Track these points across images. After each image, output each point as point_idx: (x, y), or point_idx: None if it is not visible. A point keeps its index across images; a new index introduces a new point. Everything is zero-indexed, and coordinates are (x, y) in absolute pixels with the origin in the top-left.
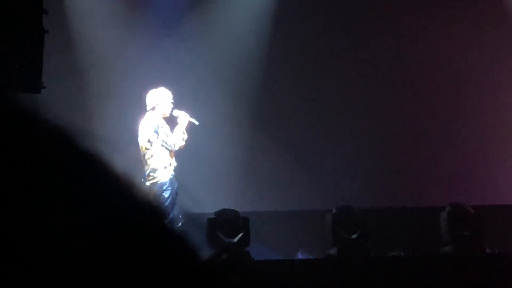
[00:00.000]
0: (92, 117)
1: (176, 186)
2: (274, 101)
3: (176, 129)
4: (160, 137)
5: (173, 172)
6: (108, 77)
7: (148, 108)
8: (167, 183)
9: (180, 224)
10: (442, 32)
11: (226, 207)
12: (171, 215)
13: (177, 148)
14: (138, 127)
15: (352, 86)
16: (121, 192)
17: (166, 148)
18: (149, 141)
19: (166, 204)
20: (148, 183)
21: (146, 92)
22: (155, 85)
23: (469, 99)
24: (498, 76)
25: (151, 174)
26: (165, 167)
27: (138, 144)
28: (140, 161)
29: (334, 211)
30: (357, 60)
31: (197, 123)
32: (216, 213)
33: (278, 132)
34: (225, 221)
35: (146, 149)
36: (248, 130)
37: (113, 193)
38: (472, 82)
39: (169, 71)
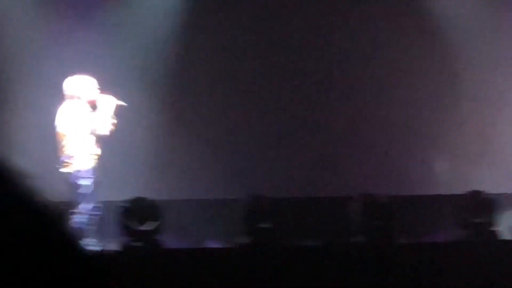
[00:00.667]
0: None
1: (97, 174)
2: (189, 89)
3: (102, 114)
4: (88, 124)
5: (95, 160)
6: (23, 65)
7: (70, 96)
8: (88, 172)
9: (98, 213)
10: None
11: (138, 195)
12: (91, 204)
13: (107, 133)
14: (57, 114)
15: (266, 78)
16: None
17: (95, 134)
18: (72, 128)
19: (85, 192)
20: (66, 170)
21: (64, 80)
22: (73, 73)
23: (379, 88)
24: (408, 67)
25: (70, 161)
26: (86, 155)
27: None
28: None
29: (246, 199)
30: (271, 55)
31: (125, 104)
32: (128, 201)
33: (190, 122)
34: (137, 209)
35: (65, 136)
36: (162, 119)
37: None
38: (383, 72)
39: (86, 59)
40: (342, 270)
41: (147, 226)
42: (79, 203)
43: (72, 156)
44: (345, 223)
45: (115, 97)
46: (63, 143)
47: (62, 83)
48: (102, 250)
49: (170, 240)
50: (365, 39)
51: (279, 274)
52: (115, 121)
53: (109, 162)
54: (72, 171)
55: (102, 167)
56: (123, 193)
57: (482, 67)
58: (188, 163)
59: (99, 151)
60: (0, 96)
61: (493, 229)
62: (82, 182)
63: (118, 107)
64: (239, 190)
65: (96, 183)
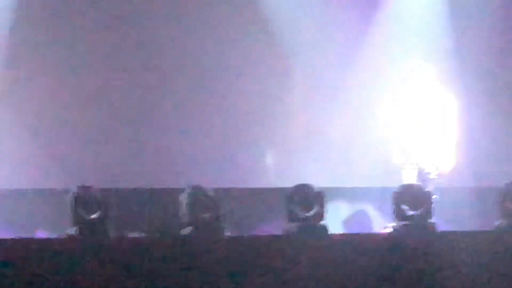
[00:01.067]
0: None
1: None
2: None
3: None
4: None
5: None
6: None
7: None
8: None
9: None
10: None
11: None
12: None
13: None
14: None
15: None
16: None
17: None
18: None
19: None
20: None
21: None
22: None
23: (209, 83)
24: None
25: None
26: None
27: None
28: None
29: (74, 190)
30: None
31: None
32: None
33: (22, 112)
34: None
35: None
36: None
37: None
38: (219, 68)
39: None
40: (170, 261)
41: None
42: None
43: None
44: (175, 215)
45: None
46: None
47: None
48: None
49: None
50: (208, 37)
51: (108, 265)
52: None
53: None
54: None
55: None
56: None
57: (310, 61)
58: (20, 153)
59: None
60: None
61: (322, 223)
62: None
63: None
64: (69, 180)
65: None
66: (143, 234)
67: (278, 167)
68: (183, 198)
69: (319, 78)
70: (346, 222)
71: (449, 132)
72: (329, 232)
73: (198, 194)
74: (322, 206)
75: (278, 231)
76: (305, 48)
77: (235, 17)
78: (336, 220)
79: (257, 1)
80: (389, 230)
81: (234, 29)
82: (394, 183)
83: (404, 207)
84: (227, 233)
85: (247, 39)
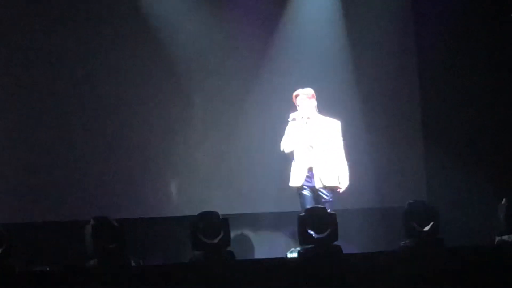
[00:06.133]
0: None
1: None
2: None
3: None
4: None
5: None
6: None
7: None
8: None
9: None
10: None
11: None
12: None
13: None
14: None
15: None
16: None
17: None
18: None
19: None
20: None
21: None
22: None
23: (114, 112)
24: (138, 91)
25: None
26: None
27: None
28: None
29: None
30: None
31: None
32: None
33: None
34: None
35: None
36: None
37: None
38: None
39: None
40: None
41: None
42: None
43: None
44: (81, 247)
45: None
46: None
47: None
48: None
49: None
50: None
51: None
52: None
53: None
54: None
55: None
56: None
57: (210, 91)
58: None
59: None
60: None
61: (229, 249)
62: None
63: None
64: None
65: None
66: (48, 268)
67: (182, 195)
68: (88, 230)
69: (218, 109)
70: (252, 248)
71: (342, 155)
72: (236, 258)
73: (102, 225)
74: (227, 232)
75: (184, 259)
76: (204, 79)
77: (138, 52)
78: (242, 245)
79: (159, 41)
80: (294, 254)
81: (136, 67)
82: (298, 208)
83: (310, 231)
84: (133, 263)
85: (147, 73)
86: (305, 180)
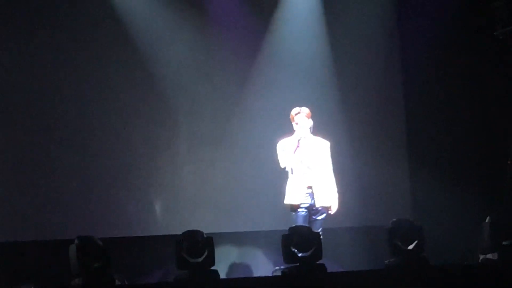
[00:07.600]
0: None
1: None
2: None
3: None
4: None
5: None
6: None
7: None
8: None
9: None
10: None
11: None
12: None
13: None
14: None
15: None
16: None
17: None
18: None
19: None
20: None
21: None
22: None
23: (98, 129)
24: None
25: None
26: None
27: None
28: None
29: None
30: None
31: None
32: None
33: None
34: None
35: None
36: None
37: None
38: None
39: None
40: None
41: None
42: None
43: None
44: (66, 266)
45: None
46: None
47: None
48: None
49: None
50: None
51: None
52: None
53: None
54: None
55: None
56: None
57: (195, 111)
58: None
59: None
60: None
61: (213, 268)
62: None
63: None
64: None
65: None
66: (32, 287)
67: (167, 214)
68: (73, 249)
69: (202, 129)
70: (236, 266)
71: (332, 175)
72: (220, 277)
73: (87, 244)
74: (211, 251)
75: (169, 278)
76: (189, 99)
77: (122, 71)
78: (226, 264)
79: (142, 60)
80: (279, 273)
81: (121, 86)
82: (282, 226)
83: (294, 249)
84: (117, 282)
85: (131, 91)
86: (304, 199)
